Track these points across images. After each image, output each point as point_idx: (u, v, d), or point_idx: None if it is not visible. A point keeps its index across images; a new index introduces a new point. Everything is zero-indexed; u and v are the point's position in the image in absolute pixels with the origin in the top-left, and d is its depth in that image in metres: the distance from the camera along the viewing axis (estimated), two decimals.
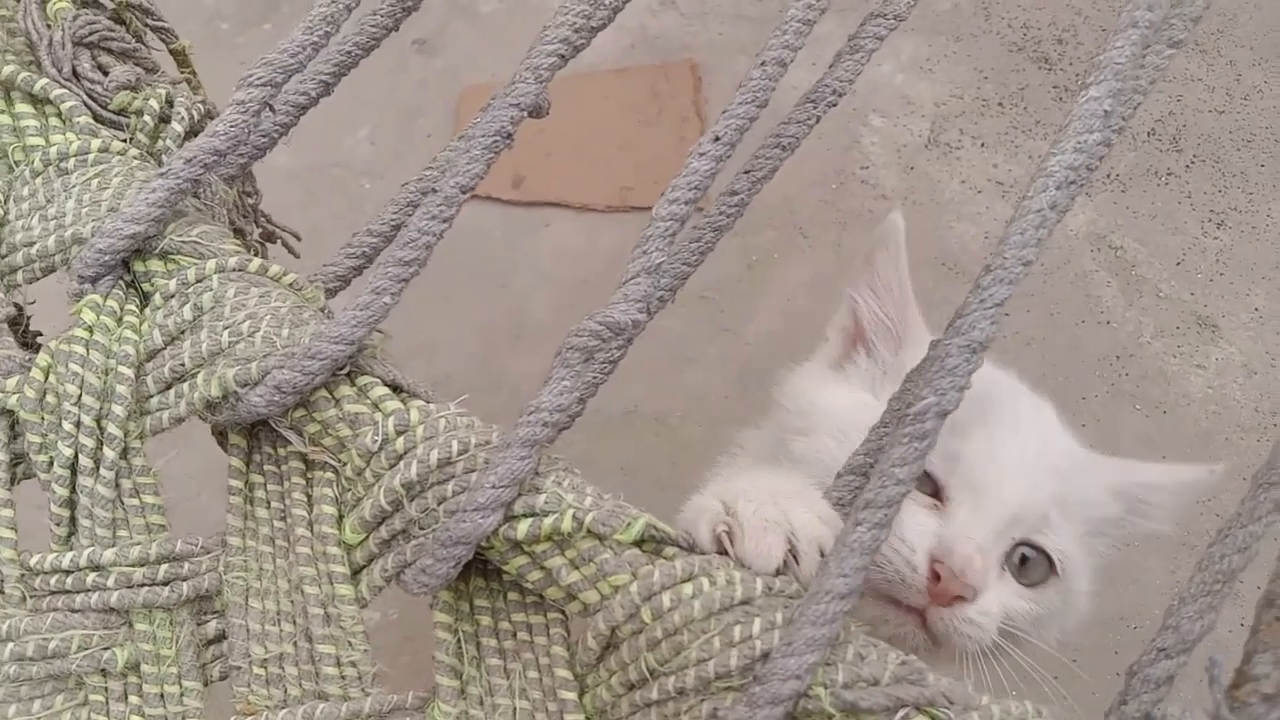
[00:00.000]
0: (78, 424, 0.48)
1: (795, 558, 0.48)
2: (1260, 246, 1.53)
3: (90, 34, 0.56)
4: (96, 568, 0.48)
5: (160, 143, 0.56)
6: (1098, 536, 0.75)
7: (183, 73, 0.64)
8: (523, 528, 0.44)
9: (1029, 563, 0.70)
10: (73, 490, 0.49)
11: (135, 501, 0.49)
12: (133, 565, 0.48)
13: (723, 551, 0.47)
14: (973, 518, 0.66)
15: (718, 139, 0.50)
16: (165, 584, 0.48)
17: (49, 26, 0.56)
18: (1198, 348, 1.45)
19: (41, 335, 0.58)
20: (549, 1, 1.85)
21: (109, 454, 0.48)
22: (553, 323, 1.51)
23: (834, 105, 0.59)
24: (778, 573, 0.46)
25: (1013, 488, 0.67)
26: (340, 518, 0.47)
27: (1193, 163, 1.61)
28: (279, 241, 0.74)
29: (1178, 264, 1.52)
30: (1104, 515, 0.75)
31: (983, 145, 1.64)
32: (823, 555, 0.48)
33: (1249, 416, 1.40)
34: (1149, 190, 1.59)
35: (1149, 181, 1.60)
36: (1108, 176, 1.60)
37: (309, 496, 0.48)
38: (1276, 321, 1.47)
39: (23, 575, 0.49)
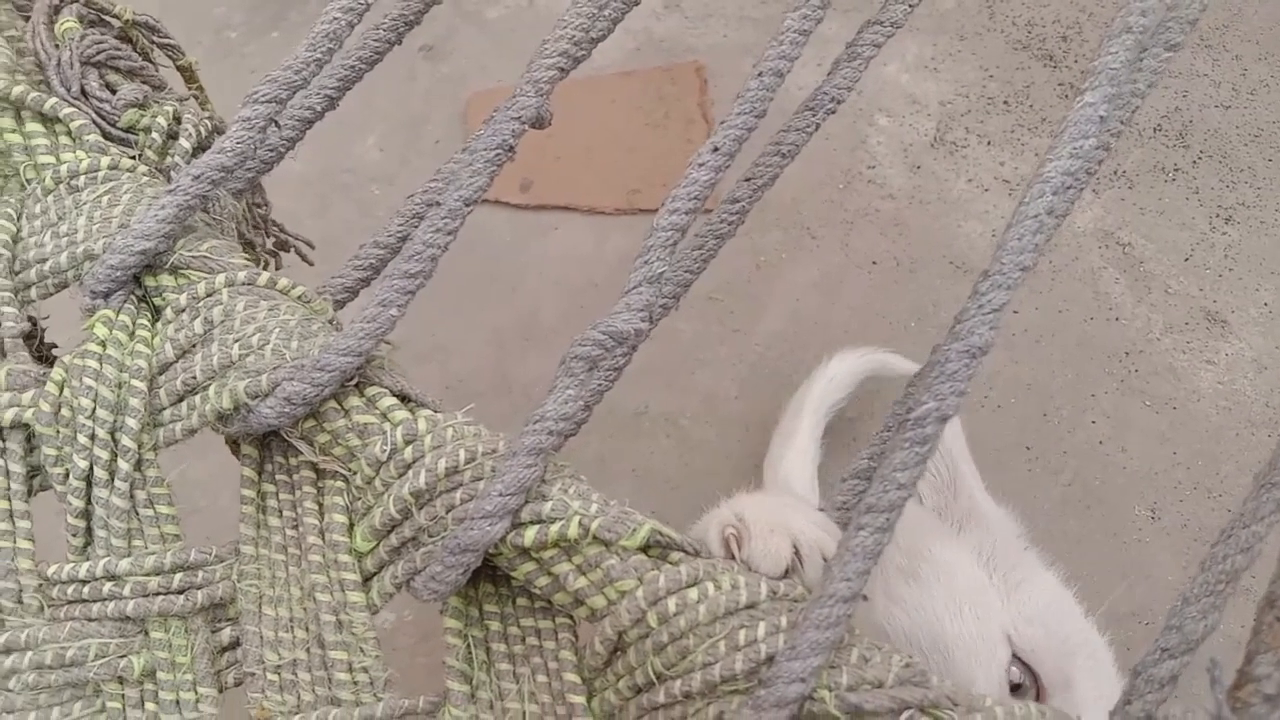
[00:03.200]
0: (92, 436, 0.49)
1: (800, 562, 0.48)
2: (1269, 241, 1.53)
3: (98, 53, 0.57)
4: (112, 577, 0.49)
5: (169, 159, 0.57)
6: None
7: (190, 89, 0.65)
8: (529, 534, 0.45)
9: None
10: (88, 501, 0.49)
11: (150, 512, 0.50)
12: (148, 574, 0.49)
13: (731, 556, 0.48)
14: None
15: (717, 149, 0.50)
16: (180, 593, 0.49)
17: (57, 47, 0.57)
18: (1207, 343, 1.45)
19: (57, 348, 0.59)
20: (555, 6, 1.86)
21: (123, 466, 0.49)
22: (562, 325, 1.52)
23: (833, 112, 0.59)
24: (784, 575, 0.47)
25: None
26: (351, 526, 0.48)
27: (1200, 158, 1.61)
28: (293, 250, 0.74)
29: (1186, 260, 1.52)
30: None
31: (989, 144, 1.64)
32: (825, 561, 0.49)
33: (1260, 412, 1.40)
34: (1156, 186, 1.59)
35: (1156, 177, 1.60)
36: (1114, 173, 1.60)
37: (320, 505, 0.49)
38: None
39: (40, 585, 0.50)
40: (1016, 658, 0.64)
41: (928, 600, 0.67)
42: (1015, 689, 0.64)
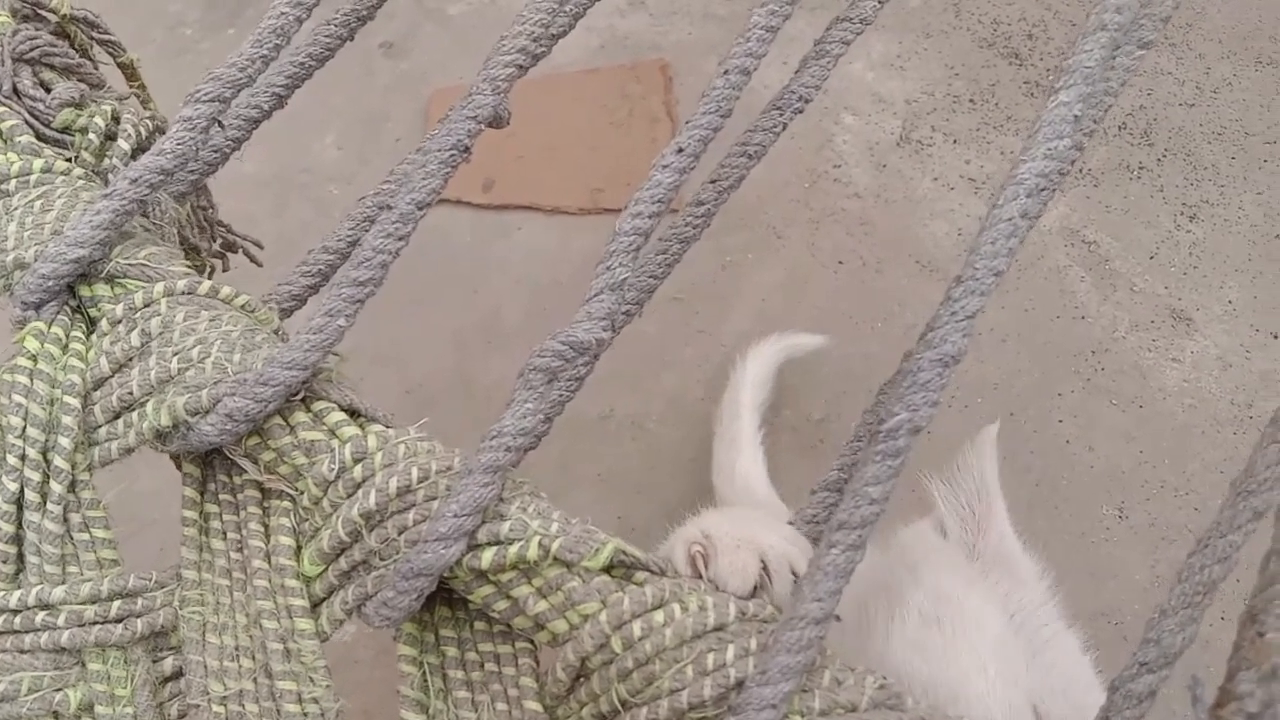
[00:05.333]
0: (22, 457, 0.46)
1: (768, 577, 0.47)
2: (1233, 239, 1.53)
3: (31, 49, 0.54)
4: (46, 606, 0.46)
5: (107, 161, 0.54)
6: None
7: (131, 87, 0.62)
8: (487, 557, 0.43)
9: None
10: (19, 526, 0.47)
11: (85, 536, 0.47)
12: (84, 603, 0.46)
13: (699, 575, 0.46)
14: None
15: (681, 150, 0.48)
16: (118, 621, 0.46)
17: None
18: (1173, 341, 1.45)
19: None
20: (518, 3, 1.83)
21: (56, 488, 0.46)
22: (525, 326, 1.49)
23: (801, 112, 0.58)
24: (753, 593, 0.45)
25: None
26: (298, 548, 0.46)
27: (1164, 156, 1.61)
28: (240, 251, 0.72)
29: (1151, 258, 1.52)
30: None
31: (955, 142, 1.63)
32: (795, 576, 0.47)
33: (1225, 409, 1.40)
34: (1121, 184, 1.59)
35: (1121, 175, 1.60)
36: (1080, 171, 1.60)
37: (266, 527, 0.47)
38: (1250, 314, 1.47)
39: None
40: None
41: (952, 653, 0.64)
42: None
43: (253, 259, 0.70)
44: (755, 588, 0.46)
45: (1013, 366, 1.44)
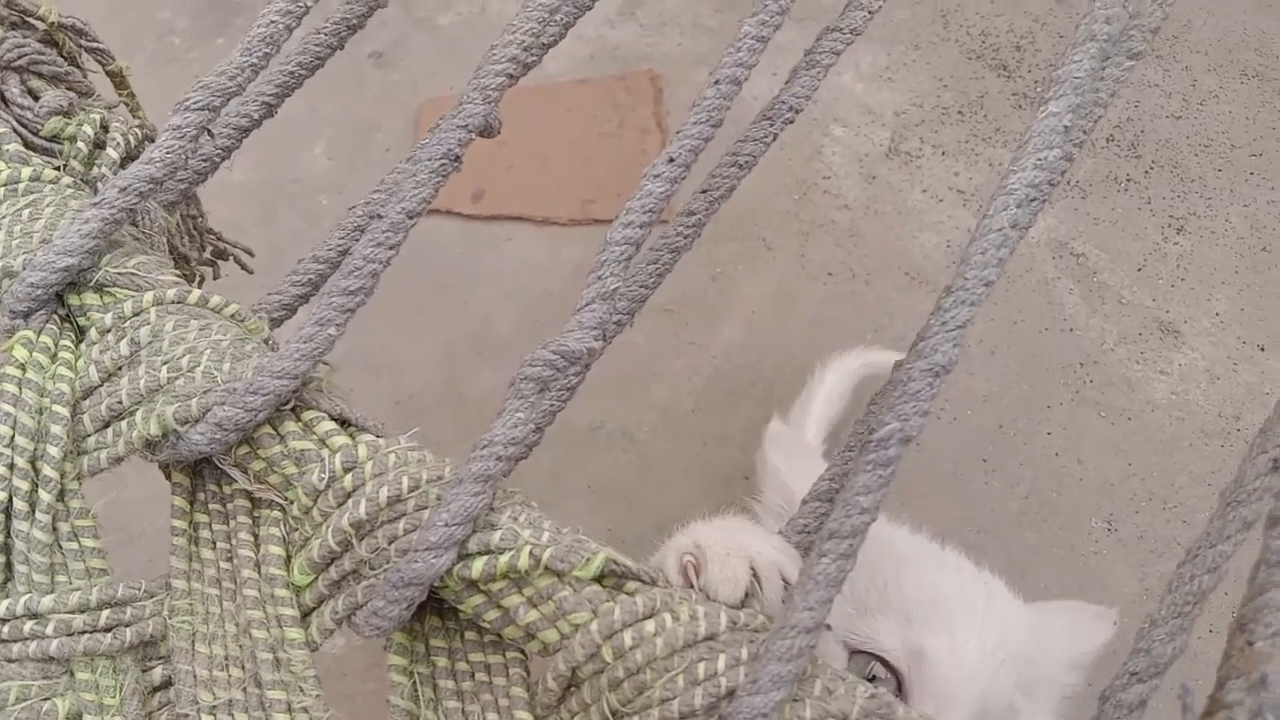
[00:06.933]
0: (11, 466, 0.46)
1: (758, 585, 0.47)
2: (1220, 251, 1.54)
3: (19, 57, 0.54)
4: (34, 615, 0.46)
5: (95, 169, 0.54)
6: (1065, 701, 0.74)
7: (121, 95, 0.62)
8: (477, 566, 0.42)
9: None
10: (7, 535, 0.46)
11: (74, 545, 0.47)
12: (72, 612, 0.46)
13: (691, 585, 0.46)
14: None
15: (672, 160, 0.49)
16: (107, 630, 0.46)
17: None
18: (1160, 353, 1.46)
19: None
20: (508, 13, 1.83)
21: (45, 497, 0.46)
22: (516, 338, 1.50)
23: (791, 122, 0.58)
24: (743, 602, 0.45)
25: (976, 687, 0.64)
26: (288, 558, 0.46)
27: (1151, 168, 1.62)
28: (231, 259, 0.71)
29: (1139, 270, 1.53)
30: (1067, 682, 0.75)
31: (943, 153, 1.64)
32: (785, 583, 0.47)
33: (1212, 422, 1.41)
34: (1109, 196, 1.60)
35: (1109, 187, 1.60)
36: (1068, 183, 1.60)
37: (255, 536, 0.46)
38: (1237, 326, 1.48)
39: None
40: (863, 653, 0.64)
41: None
42: (873, 681, 0.63)
43: (243, 266, 0.70)
44: (746, 596, 0.46)
45: (1002, 379, 1.44)
